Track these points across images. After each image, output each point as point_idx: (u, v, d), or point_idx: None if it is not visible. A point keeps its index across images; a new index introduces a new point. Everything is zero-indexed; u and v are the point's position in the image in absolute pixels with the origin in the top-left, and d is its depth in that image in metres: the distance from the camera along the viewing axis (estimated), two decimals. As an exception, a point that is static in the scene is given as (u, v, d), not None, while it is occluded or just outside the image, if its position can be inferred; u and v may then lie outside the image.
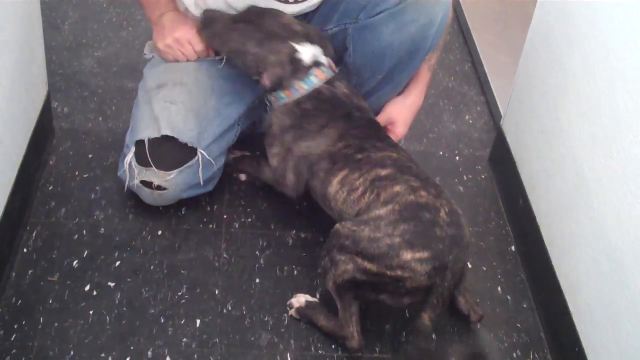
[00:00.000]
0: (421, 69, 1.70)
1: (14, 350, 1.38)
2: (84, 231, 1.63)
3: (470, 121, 2.09)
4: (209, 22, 1.61)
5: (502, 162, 1.87)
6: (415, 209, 1.38)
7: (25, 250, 1.57)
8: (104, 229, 1.64)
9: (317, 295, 1.55)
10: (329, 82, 1.57)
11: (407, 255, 1.33)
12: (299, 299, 1.52)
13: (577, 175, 1.47)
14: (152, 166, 1.59)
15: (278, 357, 1.43)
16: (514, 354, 1.50)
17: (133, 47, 2.17)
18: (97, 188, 1.73)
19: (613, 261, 1.31)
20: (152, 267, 1.57)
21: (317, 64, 1.57)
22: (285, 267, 1.61)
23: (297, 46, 1.55)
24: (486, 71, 2.23)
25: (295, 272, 1.60)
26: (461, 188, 1.86)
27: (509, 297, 1.61)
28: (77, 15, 2.28)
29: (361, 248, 1.35)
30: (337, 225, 1.41)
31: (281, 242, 1.67)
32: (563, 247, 1.52)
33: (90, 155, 1.81)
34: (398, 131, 1.71)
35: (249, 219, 1.71)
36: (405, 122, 1.73)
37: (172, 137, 1.60)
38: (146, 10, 1.73)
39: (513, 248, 1.73)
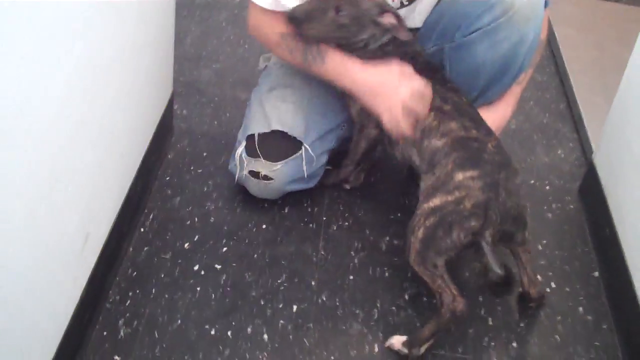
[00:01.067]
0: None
1: (127, 314, 1.53)
2: (196, 218, 1.78)
3: (562, 155, 2.17)
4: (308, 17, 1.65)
5: (591, 193, 1.94)
6: (465, 141, 1.56)
7: (142, 230, 1.72)
8: (214, 218, 1.78)
9: (406, 296, 1.65)
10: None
11: (460, 176, 1.50)
12: (398, 340, 1.55)
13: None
14: (260, 157, 1.73)
15: (366, 346, 1.53)
16: (591, 368, 1.57)
17: (247, 63, 2.34)
18: (210, 182, 1.88)
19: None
20: (255, 256, 1.70)
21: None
22: (378, 269, 1.72)
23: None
24: (581, 111, 2.30)
25: (387, 274, 1.71)
26: (549, 215, 1.94)
27: (589, 318, 1.68)
28: (199, 31, 2.47)
29: (425, 193, 1.53)
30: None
31: (375, 246, 1.78)
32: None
33: (204, 154, 1.97)
34: None
35: (346, 223, 1.83)
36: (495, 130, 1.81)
37: (280, 133, 1.74)
38: (335, 80, 1.71)
39: (596, 274, 1.79)
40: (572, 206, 1.99)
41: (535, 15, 1.66)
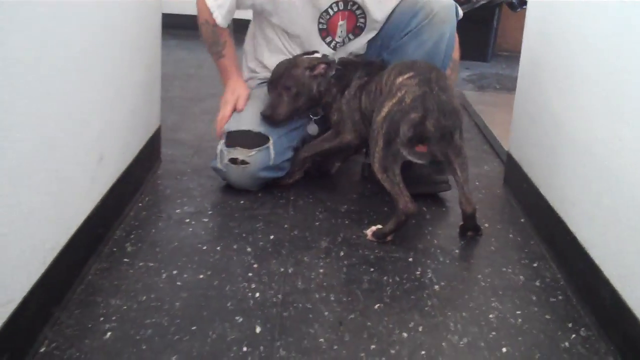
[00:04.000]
0: None
1: (132, 240, 1.83)
2: (185, 199, 2.12)
3: (488, 169, 2.59)
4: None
5: (510, 170, 2.35)
6: (401, 63, 2.01)
7: (140, 204, 2.06)
8: (200, 198, 2.13)
9: (364, 230, 1.98)
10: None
11: (400, 79, 1.90)
12: (371, 229, 1.94)
13: (575, 150, 1.95)
14: (238, 147, 2.12)
15: (333, 253, 1.84)
16: (522, 261, 1.88)
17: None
18: (195, 182, 2.26)
19: (601, 171, 1.73)
20: (236, 214, 2.04)
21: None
22: (339, 219, 2.06)
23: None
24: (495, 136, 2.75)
25: (347, 222, 2.04)
26: (480, 195, 2.31)
27: (519, 239, 2.01)
28: (178, 117, 2.93)
29: (377, 109, 1.91)
30: None
31: (335, 209, 2.13)
32: (560, 189, 1.96)
33: (189, 170, 2.35)
34: None
35: (310, 200, 2.19)
36: None
37: (252, 132, 2.15)
38: (221, 75, 2.38)
39: (523, 220, 2.14)
40: (498, 191, 2.38)
41: (450, 18, 2.15)
